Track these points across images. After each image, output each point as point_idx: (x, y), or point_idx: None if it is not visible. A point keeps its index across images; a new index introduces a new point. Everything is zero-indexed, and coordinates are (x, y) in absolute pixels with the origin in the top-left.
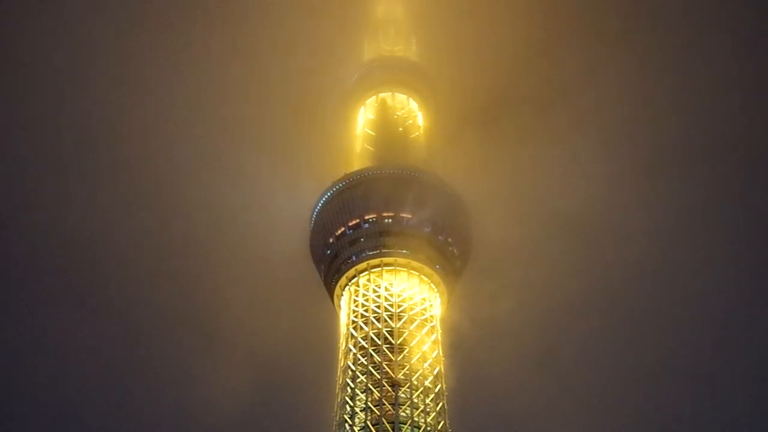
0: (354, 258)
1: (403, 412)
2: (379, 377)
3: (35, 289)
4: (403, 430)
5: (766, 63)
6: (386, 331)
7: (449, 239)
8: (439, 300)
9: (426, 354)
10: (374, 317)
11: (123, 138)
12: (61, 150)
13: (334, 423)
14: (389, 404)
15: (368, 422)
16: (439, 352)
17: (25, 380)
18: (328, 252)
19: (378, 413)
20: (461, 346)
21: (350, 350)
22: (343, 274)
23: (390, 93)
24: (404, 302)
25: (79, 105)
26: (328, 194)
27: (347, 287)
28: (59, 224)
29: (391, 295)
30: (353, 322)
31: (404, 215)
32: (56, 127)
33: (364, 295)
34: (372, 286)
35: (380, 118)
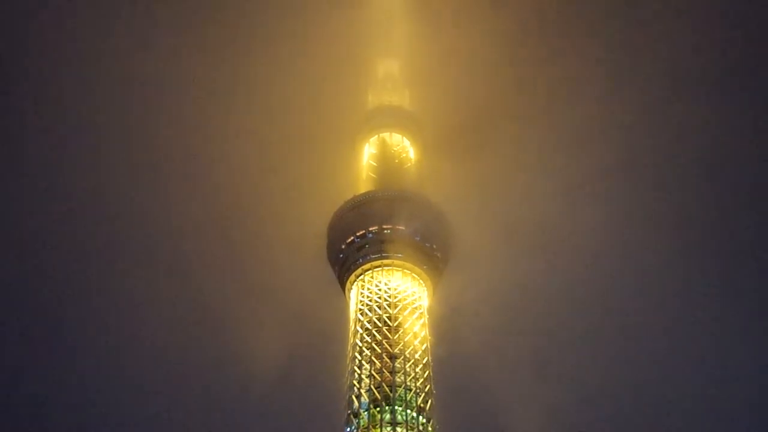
0: (361, 260)
1: (399, 378)
2: (380, 351)
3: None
4: (398, 391)
5: (704, 80)
6: (385, 316)
7: (434, 246)
8: (426, 292)
9: (416, 333)
10: (376, 305)
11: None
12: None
13: (346, 386)
14: (388, 372)
15: (371, 386)
16: (426, 332)
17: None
18: (341, 255)
19: (379, 379)
20: (442, 326)
21: (358, 331)
22: (353, 272)
23: (388, 133)
24: (399, 294)
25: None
26: (341, 211)
27: (355, 282)
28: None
29: (389, 289)
30: (360, 309)
31: (399, 227)
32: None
33: (368, 289)
34: (374, 281)
35: (381, 152)
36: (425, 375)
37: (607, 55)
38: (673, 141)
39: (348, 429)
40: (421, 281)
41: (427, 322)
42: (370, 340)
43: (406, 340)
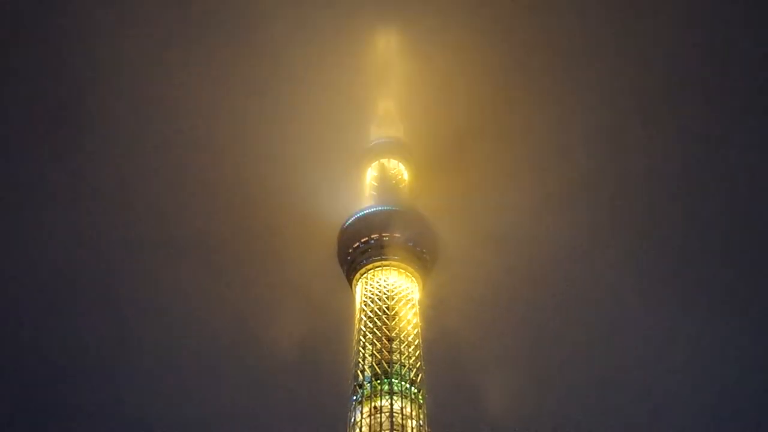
0: (364, 261)
1: (395, 356)
2: (380, 335)
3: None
4: (395, 367)
5: (666, 98)
6: (384, 306)
7: (423, 250)
8: (417, 287)
9: (409, 320)
10: (377, 298)
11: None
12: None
13: (352, 363)
14: (386, 351)
15: (373, 363)
16: (417, 320)
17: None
18: (348, 257)
19: (379, 357)
20: (430, 315)
21: (362, 318)
22: (358, 271)
23: (387, 159)
24: (395, 289)
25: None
26: (348, 222)
27: (360, 279)
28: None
29: (387, 285)
30: (364, 301)
31: (395, 235)
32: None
33: (370, 284)
34: (376, 278)
35: (380, 175)
36: (417, 354)
37: (579, 77)
38: (634, 157)
39: (354, 398)
40: (413, 278)
41: (418, 311)
42: (371, 326)
43: (401, 326)
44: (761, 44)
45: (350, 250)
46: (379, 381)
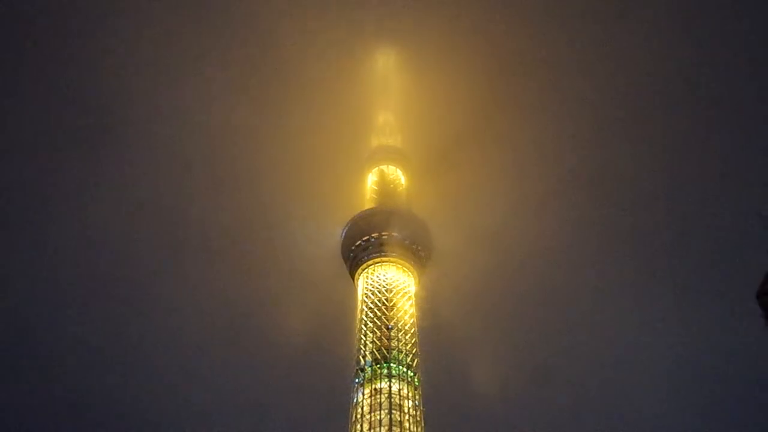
0: (366, 257)
1: (393, 343)
2: (379, 324)
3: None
4: (393, 353)
5: (655, 103)
6: (383, 298)
7: (419, 247)
8: (413, 281)
9: (406, 311)
10: (377, 290)
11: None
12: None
13: (355, 349)
14: (386, 339)
15: (374, 349)
16: (413, 310)
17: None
18: (351, 254)
19: (379, 344)
20: (425, 306)
21: (363, 309)
22: (360, 266)
23: (386, 166)
24: (393, 282)
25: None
26: (351, 222)
27: (362, 274)
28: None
29: (386, 279)
30: (365, 293)
31: (394, 234)
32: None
33: (371, 278)
34: (376, 273)
35: (380, 180)
36: (413, 341)
37: (562, 83)
38: (614, 160)
39: (356, 380)
40: (409, 273)
41: (414, 303)
42: (372, 316)
43: (398, 316)
44: (734, 57)
45: (353, 248)
46: (378, 365)
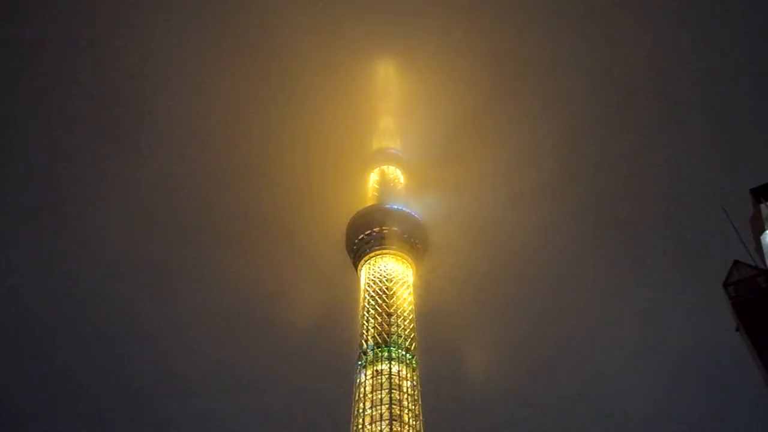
0: (368, 250)
1: (393, 328)
2: (381, 311)
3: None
4: (393, 337)
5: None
6: (384, 287)
7: (416, 241)
8: (411, 272)
9: (405, 299)
10: (378, 280)
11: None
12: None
13: (358, 333)
14: (386, 324)
15: (375, 333)
16: (411, 298)
17: None
18: (354, 247)
19: (380, 329)
20: (422, 294)
21: (366, 297)
22: (362, 258)
23: (386, 166)
24: (393, 273)
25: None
26: (354, 217)
27: (364, 265)
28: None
29: (386, 269)
30: (367, 282)
31: (393, 228)
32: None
33: (373, 269)
34: (377, 264)
35: (381, 179)
36: (411, 326)
37: (555, 80)
38: (597, 157)
39: (359, 362)
40: (408, 264)
41: (412, 291)
42: (374, 303)
43: (398, 303)
44: (705, 59)
45: (356, 241)
46: (380, 349)
